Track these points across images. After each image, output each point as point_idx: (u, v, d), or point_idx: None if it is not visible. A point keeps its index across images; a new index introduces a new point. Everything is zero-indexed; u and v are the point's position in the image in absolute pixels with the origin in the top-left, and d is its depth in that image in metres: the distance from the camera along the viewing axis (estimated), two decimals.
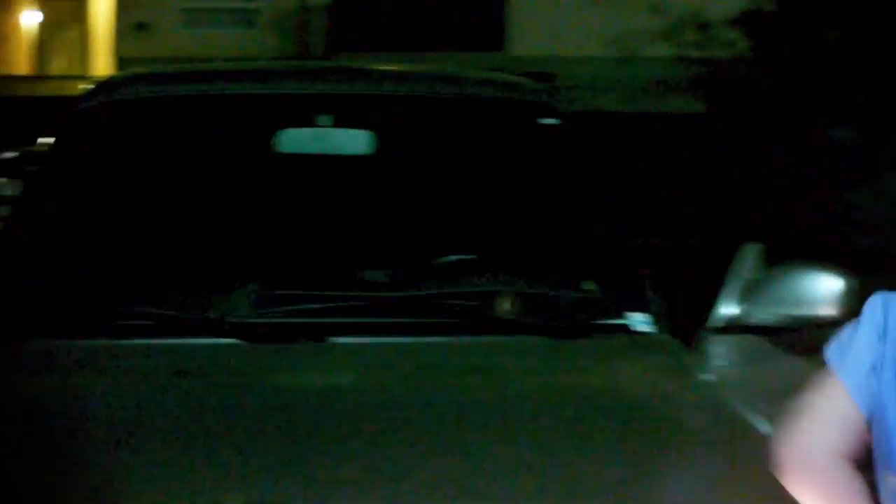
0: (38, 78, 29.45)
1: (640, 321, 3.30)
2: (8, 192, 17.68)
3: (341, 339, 3.12)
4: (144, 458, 2.53)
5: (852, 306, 3.26)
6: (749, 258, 3.47)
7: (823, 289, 3.24)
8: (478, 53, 25.85)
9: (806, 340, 3.51)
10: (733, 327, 3.45)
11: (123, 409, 2.80)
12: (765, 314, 3.34)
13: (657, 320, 3.32)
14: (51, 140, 3.68)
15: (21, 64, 30.22)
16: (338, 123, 3.66)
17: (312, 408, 2.83)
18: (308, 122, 3.66)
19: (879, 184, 17.86)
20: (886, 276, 4.63)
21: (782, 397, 3.52)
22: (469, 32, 26.42)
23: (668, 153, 22.19)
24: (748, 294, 3.40)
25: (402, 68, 4.14)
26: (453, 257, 3.58)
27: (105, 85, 3.84)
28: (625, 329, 3.29)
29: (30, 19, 30.76)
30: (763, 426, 2.82)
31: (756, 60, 22.89)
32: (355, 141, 3.71)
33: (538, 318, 3.21)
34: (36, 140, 3.80)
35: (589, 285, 3.62)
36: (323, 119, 3.66)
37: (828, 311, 3.25)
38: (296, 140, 3.70)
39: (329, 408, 2.85)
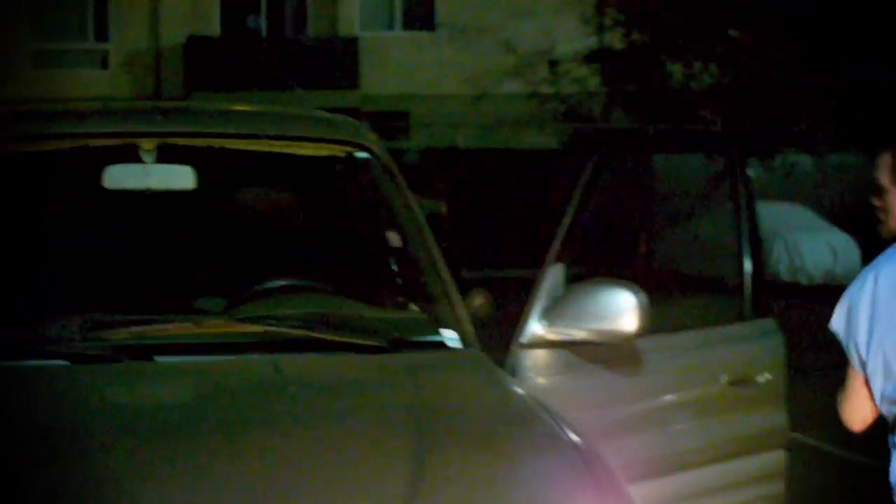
0: None
1: (453, 338, 3.52)
2: None
3: (167, 359, 3.28)
4: None
5: (647, 320, 3.50)
6: (552, 277, 3.69)
7: (620, 304, 3.48)
8: (333, 92, 26.05)
9: (605, 352, 3.75)
10: (539, 342, 3.66)
11: None
12: (568, 329, 3.56)
13: (469, 338, 3.52)
14: None
15: None
16: (160, 160, 3.80)
17: (139, 424, 2.97)
18: (133, 159, 3.81)
19: (715, 212, 18.36)
20: (715, 299, 4.92)
21: (586, 407, 3.74)
22: (324, 71, 26.59)
23: (522, 187, 22.58)
24: (552, 311, 3.62)
25: (223, 107, 4.27)
26: (276, 283, 3.76)
27: None
28: (439, 346, 3.47)
29: None
30: (570, 435, 3.00)
31: (606, 95, 23.42)
32: (178, 176, 3.86)
33: (355, 336, 3.40)
34: None
35: (406, 306, 3.83)
36: (147, 156, 3.80)
37: (625, 324, 3.51)
38: (122, 176, 3.83)
39: (155, 423, 2.99)
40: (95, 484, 2.62)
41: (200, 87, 25.90)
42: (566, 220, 3.80)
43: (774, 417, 4.30)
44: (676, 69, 21.78)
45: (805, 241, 19.63)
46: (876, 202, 3.77)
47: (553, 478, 2.81)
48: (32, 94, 24.22)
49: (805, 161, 22.27)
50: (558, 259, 3.74)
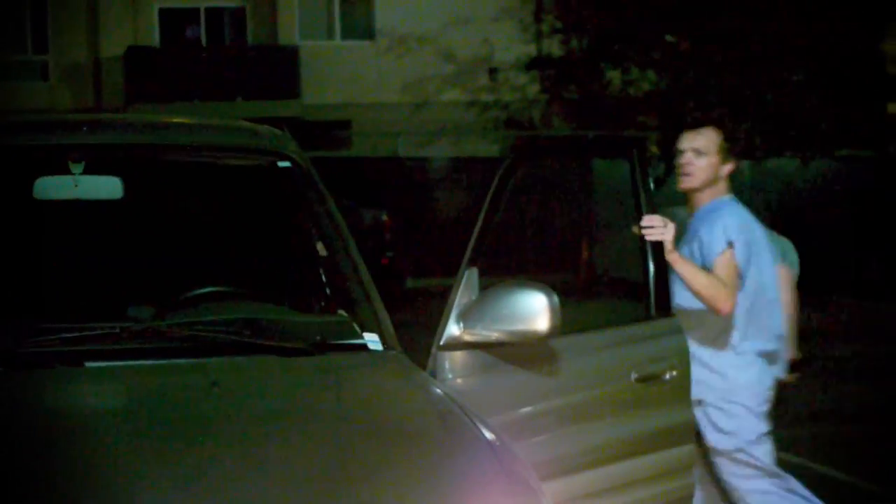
0: None
1: (374, 341, 3.57)
2: None
3: (97, 364, 3.31)
4: None
5: (558, 320, 3.63)
6: (467, 281, 3.81)
7: (533, 305, 3.56)
8: (274, 101, 26.08)
9: (520, 352, 3.87)
10: (457, 344, 3.78)
11: None
12: (483, 330, 3.68)
13: (390, 340, 3.64)
14: None
15: None
16: (88, 171, 3.89)
17: (69, 427, 3.01)
18: (62, 171, 3.89)
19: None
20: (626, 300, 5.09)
21: (503, 406, 3.87)
22: (265, 81, 26.60)
23: (464, 195, 22.68)
24: (469, 313, 3.74)
25: (150, 119, 4.36)
26: (203, 290, 3.85)
27: None
28: (362, 347, 3.55)
29: None
30: (486, 433, 3.13)
31: (546, 102, 23.57)
32: (106, 187, 3.95)
33: (279, 340, 3.47)
34: None
35: (329, 310, 3.94)
36: (75, 167, 3.88)
37: (538, 325, 3.58)
38: (52, 187, 3.92)
39: (85, 426, 3.04)
40: (24, 485, 2.68)
41: (141, 99, 25.85)
42: (479, 225, 3.92)
43: (682, 413, 4.42)
44: (615, 75, 21.98)
45: None
46: (686, 160, 5.02)
47: (467, 475, 2.90)
48: None
49: (742, 165, 22.53)
50: (472, 263, 3.86)
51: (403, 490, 2.81)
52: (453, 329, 3.78)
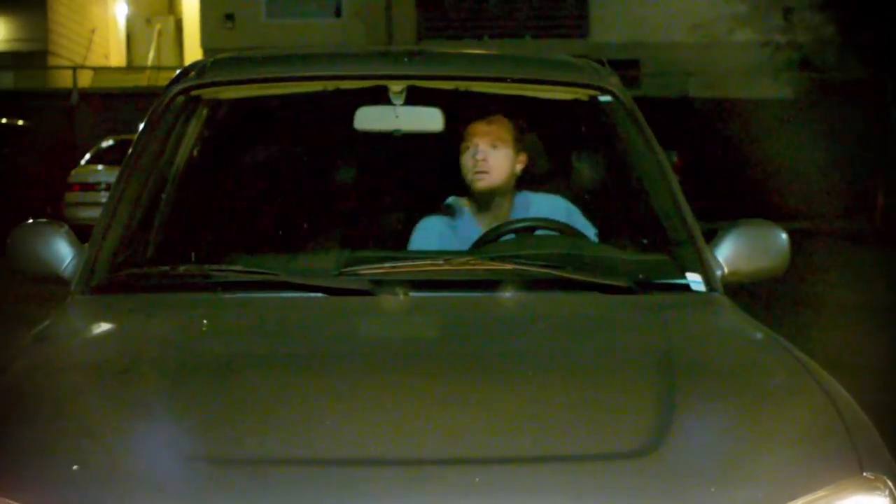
0: (132, 69, 30.00)
1: (697, 281, 3.49)
2: (104, 178, 17.98)
3: (420, 294, 3.30)
4: (237, 400, 2.68)
5: (788, 257, 3.55)
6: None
7: (781, 242, 3.51)
8: (562, 40, 26.02)
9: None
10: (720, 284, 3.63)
11: (220, 355, 2.99)
12: (739, 267, 3.52)
13: (714, 282, 3.51)
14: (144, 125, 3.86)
15: (114, 56, 30.73)
16: (409, 102, 3.87)
17: (393, 353, 3.04)
18: (382, 101, 3.88)
19: None
20: None
21: None
22: (554, 19, 26.55)
23: (755, 138, 22.26)
24: (726, 253, 3.58)
25: (466, 51, 4.30)
26: (521, 224, 3.81)
27: (190, 70, 4.02)
28: (684, 288, 3.46)
29: (122, 12, 31.28)
30: (819, 374, 2.89)
31: (841, 45, 22.90)
32: (426, 119, 3.92)
33: (601, 277, 3.39)
34: (135, 129, 3.96)
35: (650, 248, 3.84)
36: (395, 98, 3.87)
37: (775, 261, 3.52)
38: (372, 117, 3.91)
39: (409, 352, 3.06)
40: (348, 406, 2.68)
41: (430, 35, 26.15)
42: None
43: None
44: None
45: None
46: (482, 157, 3.95)
47: (802, 417, 2.74)
48: (266, 43, 24.79)
49: None
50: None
51: (742, 433, 2.67)
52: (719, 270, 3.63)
